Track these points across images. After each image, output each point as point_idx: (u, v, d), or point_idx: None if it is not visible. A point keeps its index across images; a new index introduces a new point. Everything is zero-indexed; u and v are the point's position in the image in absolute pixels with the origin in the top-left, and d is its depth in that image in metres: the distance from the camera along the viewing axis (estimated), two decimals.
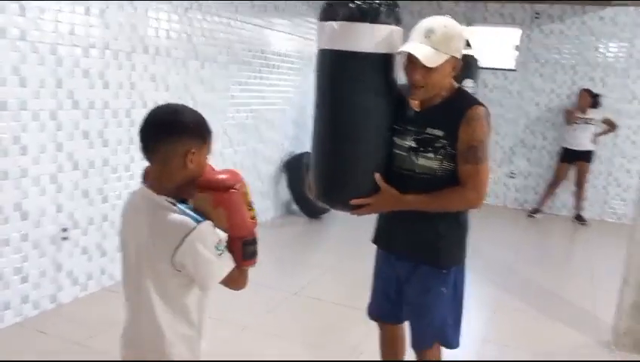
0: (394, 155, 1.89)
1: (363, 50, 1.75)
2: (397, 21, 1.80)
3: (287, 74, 5.41)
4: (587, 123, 5.97)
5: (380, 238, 2.10)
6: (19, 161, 2.86)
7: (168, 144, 1.35)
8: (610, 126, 6.04)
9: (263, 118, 5.13)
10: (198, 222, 1.32)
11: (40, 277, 3.07)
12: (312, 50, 5.26)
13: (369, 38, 1.74)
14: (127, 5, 3.40)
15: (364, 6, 1.74)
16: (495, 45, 6.66)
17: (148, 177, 1.44)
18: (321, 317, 3.35)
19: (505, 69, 6.64)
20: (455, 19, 1.84)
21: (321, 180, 1.93)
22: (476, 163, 1.78)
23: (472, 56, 5.55)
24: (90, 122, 3.24)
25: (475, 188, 1.80)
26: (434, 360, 2.04)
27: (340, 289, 3.73)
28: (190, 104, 1.51)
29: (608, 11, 6.15)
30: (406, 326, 2.14)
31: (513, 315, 3.61)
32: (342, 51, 1.77)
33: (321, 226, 5.48)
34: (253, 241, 1.42)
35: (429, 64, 1.74)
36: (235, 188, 1.36)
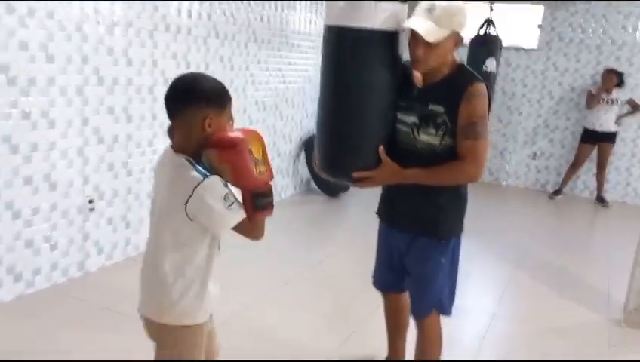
0: (397, 131, 1.96)
1: (367, 27, 1.80)
2: None
3: (307, 52, 5.45)
4: (611, 103, 5.87)
5: (383, 211, 2.19)
6: (47, 134, 3.01)
7: (188, 110, 1.49)
8: (634, 107, 5.93)
9: (283, 96, 5.21)
10: (206, 177, 1.46)
11: (68, 245, 3.24)
12: None
13: (373, 14, 1.79)
14: None
15: None
16: (518, 23, 6.56)
17: (172, 137, 1.59)
18: (336, 291, 3.45)
19: (528, 49, 6.55)
20: None
21: (326, 153, 2.02)
22: (475, 138, 1.84)
23: (495, 35, 5.50)
24: (114, 98, 3.37)
25: (473, 163, 1.86)
26: (433, 328, 2.13)
27: (355, 265, 3.82)
28: None
29: None
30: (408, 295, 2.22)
31: (525, 292, 3.66)
32: (347, 28, 1.83)
33: (339, 204, 5.57)
34: (264, 194, 1.52)
35: (430, 39, 1.79)
36: (236, 145, 1.46)
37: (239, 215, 1.50)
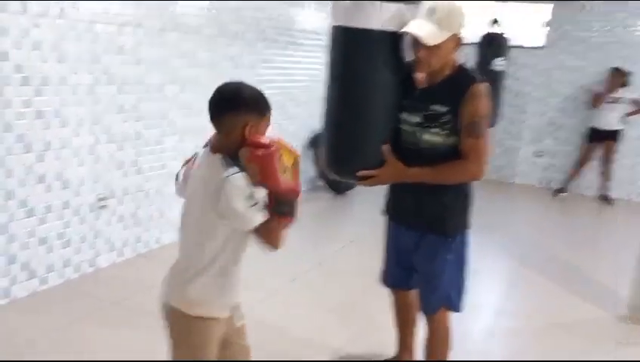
0: (401, 131, 2.00)
1: (372, 28, 1.84)
2: None
3: (314, 51, 5.47)
4: (616, 102, 5.87)
5: (390, 210, 2.23)
6: (59, 133, 3.05)
7: (230, 117, 1.56)
8: (639, 106, 5.93)
9: (289, 95, 5.24)
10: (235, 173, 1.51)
11: (80, 242, 3.29)
12: None
13: (378, 15, 1.83)
14: None
15: None
16: (525, 22, 6.56)
17: (212, 141, 1.64)
18: (343, 287, 3.49)
19: (534, 47, 6.55)
20: None
21: (332, 152, 2.06)
22: (477, 137, 1.88)
23: (501, 34, 5.51)
24: (124, 97, 3.41)
25: (476, 161, 1.90)
26: (442, 325, 2.16)
27: (362, 261, 3.85)
28: (218, 81, 1.67)
29: None
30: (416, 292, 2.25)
31: (531, 289, 3.68)
32: (352, 28, 1.87)
33: (345, 202, 5.60)
34: (287, 201, 1.55)
35: (431, 42, 1.83)
36: (266, 148, 1.51)
37: (260, 216, 1.53)
